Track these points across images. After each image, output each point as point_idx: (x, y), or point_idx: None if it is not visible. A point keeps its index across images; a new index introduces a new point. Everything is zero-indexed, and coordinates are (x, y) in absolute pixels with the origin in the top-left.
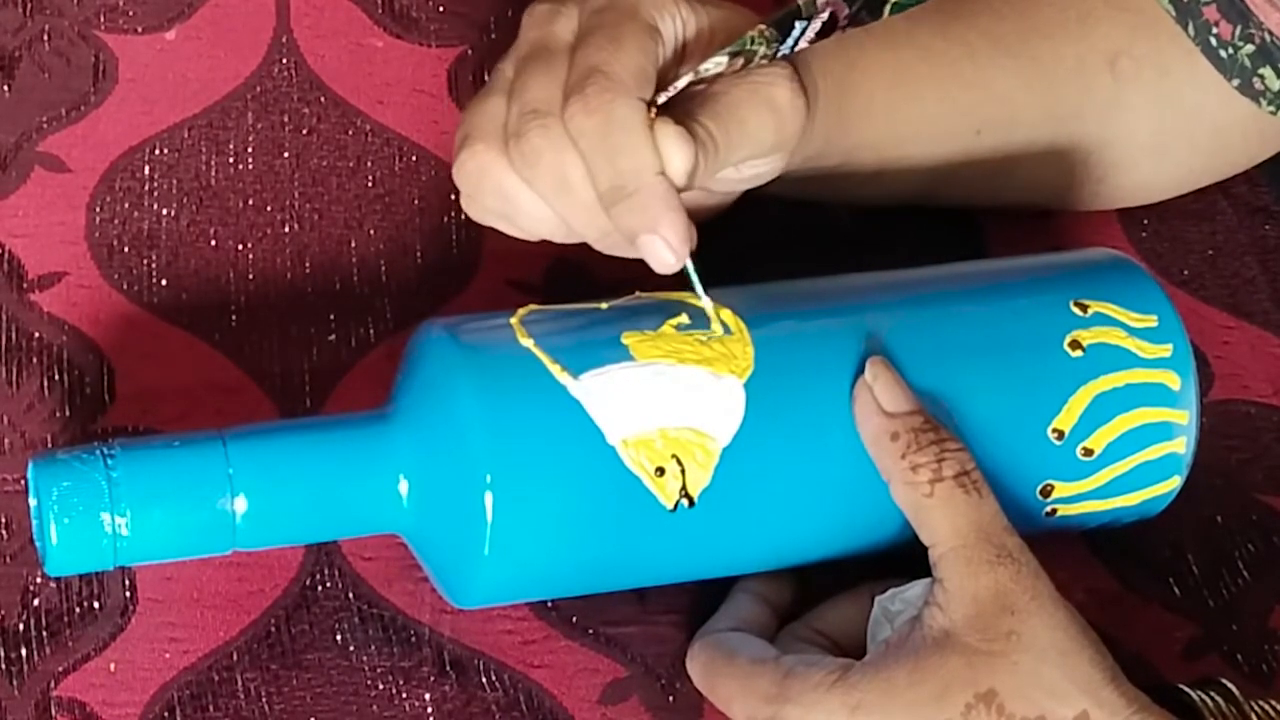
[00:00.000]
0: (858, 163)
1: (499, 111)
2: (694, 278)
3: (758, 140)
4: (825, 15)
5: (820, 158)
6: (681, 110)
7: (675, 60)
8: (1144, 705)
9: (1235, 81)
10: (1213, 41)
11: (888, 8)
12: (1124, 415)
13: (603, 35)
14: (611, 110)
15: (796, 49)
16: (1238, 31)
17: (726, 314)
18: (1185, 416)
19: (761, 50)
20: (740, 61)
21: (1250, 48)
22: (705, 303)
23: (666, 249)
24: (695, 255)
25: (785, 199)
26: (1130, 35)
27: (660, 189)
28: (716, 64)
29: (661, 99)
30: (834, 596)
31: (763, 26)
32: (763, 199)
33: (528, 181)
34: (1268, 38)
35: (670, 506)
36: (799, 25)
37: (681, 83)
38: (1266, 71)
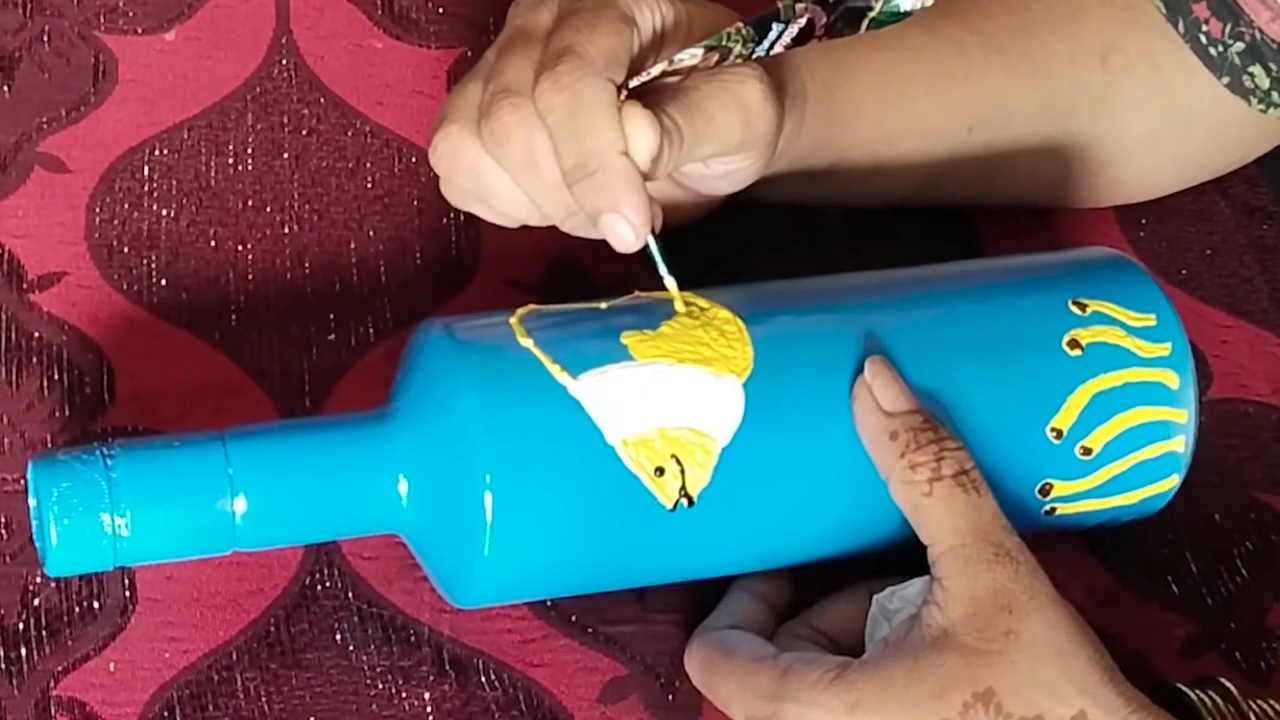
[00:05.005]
0: (850, 163)
1: (475, 95)
2: (657, 257)
3: (724, 137)
4: (803, 21)
5: (811, 158)
6: (650, 101)
7: (651, 50)
8: (1142, 705)
9: (1225, 80)
10: (1202, 39)
11: (865, 22)
12: (1123, 414)
13: (578, 19)
14: (580, 88)
15: (772, 52)
16: (1228, 29)
17: (725, 313)
18: (1184, 415)
19: (737, 49)
20: (715, 57)
21: (1240, 45)
22: (669, 283)
23: (627, 228)
24: (659, 236)
25: (778, 203)
26: (1121, 30)
27: (623, 168)
28: (692, 55)
29: (634, 83)
30: (832, 595)
31: (741, 25)
32: (756, 203)
33: (498, 160)
34: (1258, 35)
35: (670, 506)
36: (776, 28)
37: (655, 70)
38: (1256, 70)
